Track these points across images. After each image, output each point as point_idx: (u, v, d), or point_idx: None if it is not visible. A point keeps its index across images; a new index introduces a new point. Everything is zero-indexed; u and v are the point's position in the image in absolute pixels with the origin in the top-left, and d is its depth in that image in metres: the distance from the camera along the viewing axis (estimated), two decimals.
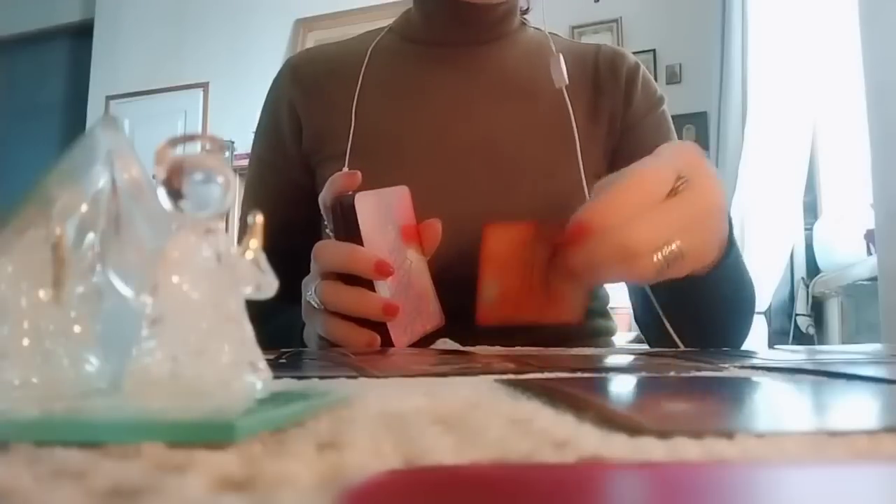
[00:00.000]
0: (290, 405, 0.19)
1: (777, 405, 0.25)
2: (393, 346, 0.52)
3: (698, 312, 0.60)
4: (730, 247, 0.53)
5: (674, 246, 0.44)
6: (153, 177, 0.21)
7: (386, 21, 0.85)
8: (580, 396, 0.23)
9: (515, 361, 0.37)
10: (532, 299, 0.49)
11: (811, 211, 2.58)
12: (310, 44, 3.33)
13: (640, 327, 0.75)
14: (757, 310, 0.87)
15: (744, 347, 0.65)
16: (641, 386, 0.29)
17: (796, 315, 2.50)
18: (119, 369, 0.19)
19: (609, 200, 0.44)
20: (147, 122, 3.43)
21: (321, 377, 0.31)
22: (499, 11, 0.77)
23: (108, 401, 0.19)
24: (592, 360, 0.42)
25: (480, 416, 0.20)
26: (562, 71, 0.71)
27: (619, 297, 0.77)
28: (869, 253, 2.05)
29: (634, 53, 0.83)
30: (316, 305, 0.53)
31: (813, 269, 2.52)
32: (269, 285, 0.20)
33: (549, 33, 0.78)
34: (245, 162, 0.85)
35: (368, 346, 0.52)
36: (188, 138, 0.20)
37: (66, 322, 0.20)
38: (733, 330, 0.66)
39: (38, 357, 0.19)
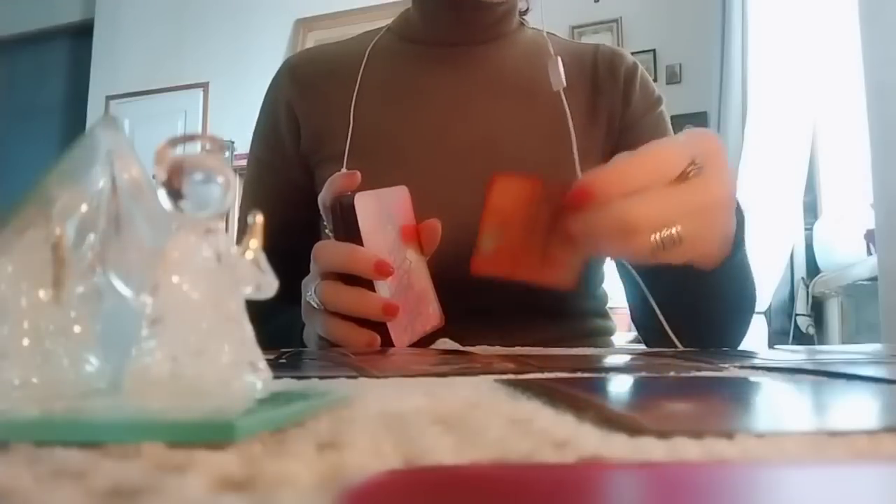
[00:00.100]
0: (290, 405, 0.19)
1: (777, 405, 0.25)
2: (393, 346, 0.52)
3: (699, 310, 0.60)
4: (738, 246, 0.53)
5: (673, 230, 0.44)
6: (153, 177, 0.21)
7: (385, 21, 0.85)
8: (580, 396, 0.23)
9: (515, 361, 0.37)
10: (529, 257, 0.48)
11: (811, 211, 2.58)
12: (310, 44, 3.33)
13: (637, 327, 0.75)
14: (757, 310, 0.87)
15: (744, 347, 0.65)
16: (641, 386, 0.29)
17: (796, 315, 2.50)
18: (119, 369, 0.19)
19: (617, 171, 0.44)
20: (147, 122, 3.43)
21: (321, 377, 0.31)
22: (498, 12, 0.77)
23: (108, 401, 0.19)
24: (592, 360, 0.42)
25: (480, 416, 0.20)
26: (559, 73, 0.71)
27: (618, 297, 0.77)
28: (869, 253, 2.05)
29: (634, 53, 0.83)
30: (316, 305, 0.53)
31: (813, 269, 2.52)
32: (269, 285, 0.20)
33: (547, 34, 0.78)
34: (245, 162, 0.85)
35: (368, 346, 0.52)
36: (188, 138, 0.20)
37: (66, 322, 0.20)
38: (732, 330, 0.66)
39: (38, 357, 0.19)
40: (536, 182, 0.47)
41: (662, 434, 0.16)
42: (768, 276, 2.34)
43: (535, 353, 0.47)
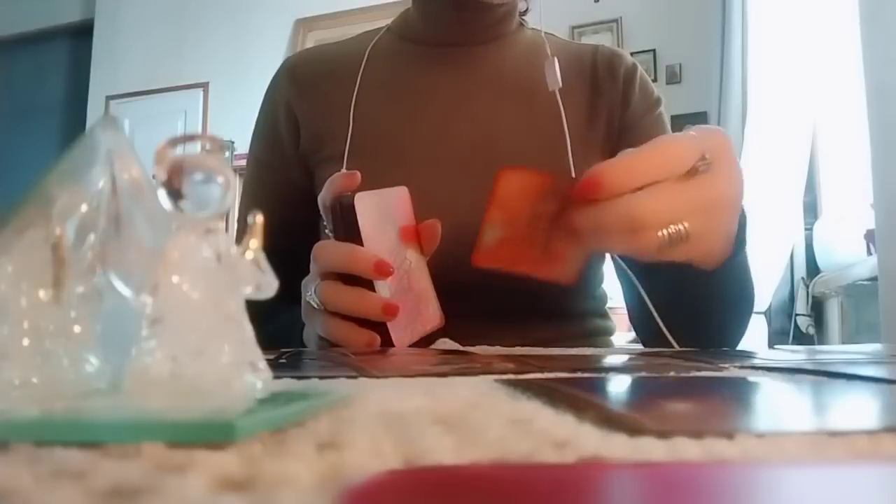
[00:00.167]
0: (290, 405, 0.19)
1: (777, 405, 0.25)
2: (393, 346, 0.52)
3: (698, 311, 0.60)
4: (739, 246, 0.53)
5: (681, 226, 0.43)
6: (153, 177, 0.21)
7: (385, 21, 0.85)
8: (580, 396, 0.23)
9: (515, 361, 0.37)
10: (531, 251, 0.48)
11: (811, 211, 2.58)
12: (310, 44, 3.33)
13: (634, 327, 0.74)
14: (757, 310, 0.87)
15: (744, 347, 0.65)
16: (641, 386, 0.29)
17: (796, 315, 2.50)
18: (119, 369, 0.19)
19: (625, 164, 0.43)
20: (147, 122, 3.44)
21: (321, 377, 0.31)
22: (498, 12, 0.77)
23: (108, 401, 0.19)
24: (592, 360, 0.42)
25: (480, 416, 0.20)
26: (556, 74, 0.71)
27: (618, 297, 0.77)
28: (869, 253, 2.05)
29: (634, 53, 0.83)
30: (316, 306, 0.53)
31: (813, 269, 2.52)
32: (269, 285, 0.20)
33: (546, 34, 0.78)
34: (245, 162, 0.85)
35: (368, 346, 0.52)
36: (188, 138, 0.20)
37: (66, 322, 0.20)
38: (731, 330, 0.66)
39: (38, 357, 0.19)
40: (542, 177, 0.47)
41: (662, 434, 0.16)
42: (768, 276, 2.34)
43: (535, 353, 0.47)
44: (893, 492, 0.12)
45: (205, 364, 0.18)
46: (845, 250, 2.24)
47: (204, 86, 3.71)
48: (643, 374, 0.33)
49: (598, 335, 0.76)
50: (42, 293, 0.20)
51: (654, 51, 3.08)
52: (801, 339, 2.45)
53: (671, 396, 0.26)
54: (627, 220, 0.42)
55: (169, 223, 0.19)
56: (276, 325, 0.60)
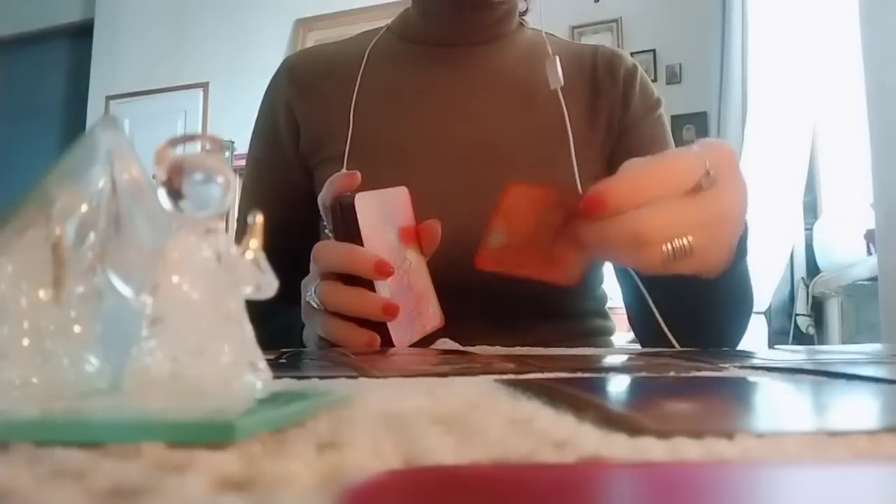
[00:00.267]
0: (290, 405, 0.19)
1: (777, 405, 0.25)
2: (393, 346, 0.52)
3: (697, 315, 0.60)
4: (741, 255, 0.53)
5: (685, 240, 0.43)
6: (153, 177, 0.21)
7: (385, 21, 0.85)
8: (580, 396, 0.23)
9: (515, 361, 0.37)
10: (534, 256, 0.48)
11: (811, 211, 2.58)
12: (309, 44, 3.33)
13: (633, 327, 0.75)
14: (757, 310, 0.87)
15: (744, 347, 0.65)
16: (641, 386, 0.29)
17: (796, 315, 2.50)
18: (119, 369, 0.19)
19: (630, 181, 0.43)
20: (147, 122, 3.44)
21: (321, 377, 0.31)
22: (498, 12, 0.77)
23: (108, 401, 0.19)
24: (592, 360, 0.42)
25: (480, 416, 0.20)
26: (557, 73, 0.71)
27: (618, 297, 0.77)
28: (869, 253, 2.05)
29: (634, 53, 0.84)
30: (316, 306, 0.53)
31: (813, 269, 2.52)
32: (269, 285, 0.20)
33: (546, 34, 0.78)
34: (245, 162, 0.85)
35: (368, 346, 0.52)
36: (188, 138, 0.20)
37: (66, 322, 0.20)
38: (730, 333, 0.66)
39: (38, 357, 0.19)
40: (549, 190, 0.47)
41: (662, 434, 0.16)
42: (768, 276, 2.34)
43: (535, 353, 0.47)
44: (893, 492, 0.12)
45: (205, 364, 0.18)
46: (845, 250, 2.24)
47: (204, 86, 3.71)
48: (643, 374, 0.33)
49: (598, 335, 0.76)
50: (42, 293, 0.20)
51: (654, 51, 3.08)
52: (801, 339, 2.45)
53: (671, 396, 0.26)
54: (632, 235, 0.43)
55: (169, 223, 0.19)
56: (276, 325, 0.60)
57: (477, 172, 0.71)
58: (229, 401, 0.18)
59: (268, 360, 0.20)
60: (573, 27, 3.17)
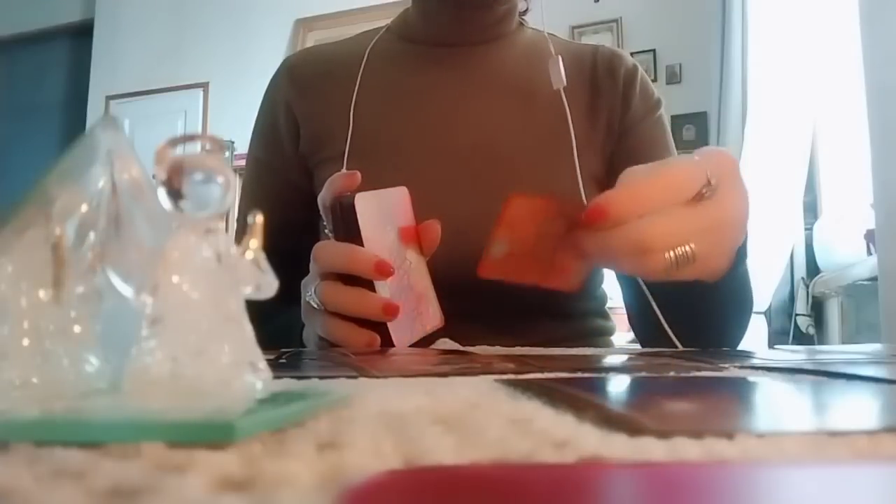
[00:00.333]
0: (290, 405, 0.19)
1: (777, 405, 0.25)
2: (393, 346, 0.52)
3: (698, 316, 0.60)
4: (741, 258, 0.53)
5: (687, 248, 0.44)
6: (153, 177, 0.21)
7: (385, 21, 0.85)
8: (580, 396, 0.23)
9: (515, 361, 0.37)
10: (536, 265, 0.49)
11: (811, 211, 2.58)
12: (310, 44, 3.33)
13: (633, 327, 0.75)
14: (757, 310, 0.87)
15: (744, 347, 0.65)
16: (641, 386, 0.29)
17: (796, 315, 2.50)
18: (119, 369, 0.19)
19: (633, 192, 0.44)
20: (147, 122, 3.44)
21: (321, 377, 0.31)
22: (498, 12, 0.77)
23: (108, 401, 0.19)
24: (592, 360, 0.42)
25: (480, 416, 0.20)
26: (560, 72, 0.71)
27: (618, 297, 0.77)
28: (869, 253, 2.05)
29: (634, 53, 0.84)
30: (316, 306, 0.53)
31: (813, 269, 2.52)
32: (269, 285, 0.20)
33: (547, 34, 0.78)
34: (245, 162, 0.85)
35: (368, 346, 0.52)
36: (188, 138, 0.20)
37: (66, 322, 0.20)
38: (729, 334, 0.66)
39: (38, 357, 0.19)
40: (551, 201, 0.48)
41: (662, 434, 0.16)
42: (768, 276, 2.34)
43: (535, 353, 0.47)
44: (893, 492, 0.12)
45: (205, 364, 0.18)
46: (845, 250, 2.24)
47: (204, 86, 3.71)
48: (643, 374, 0.33)
49: (599, 335, 0.76)
50: (42, 293, 0.20)
51: (654, 51, 3.08)
52: (801, 339, 2.45)
53: (671, 396, 0.26)
54: (635, 243, 0.43)
55: (169, 223, 0.19)
56: (276, 325, 0.60)
57: (477, 172, 0.71)
58: (229, 401, 0.18)
59: (268, 360, 0.20)
60: (573, 27, 3.17)
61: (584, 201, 0.68)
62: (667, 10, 3.08)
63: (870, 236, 2.02)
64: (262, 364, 0.19)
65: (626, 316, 0.75)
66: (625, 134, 0.76)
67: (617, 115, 0.76)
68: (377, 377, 0.31)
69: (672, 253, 0.44)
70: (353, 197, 0.52)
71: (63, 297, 0.20)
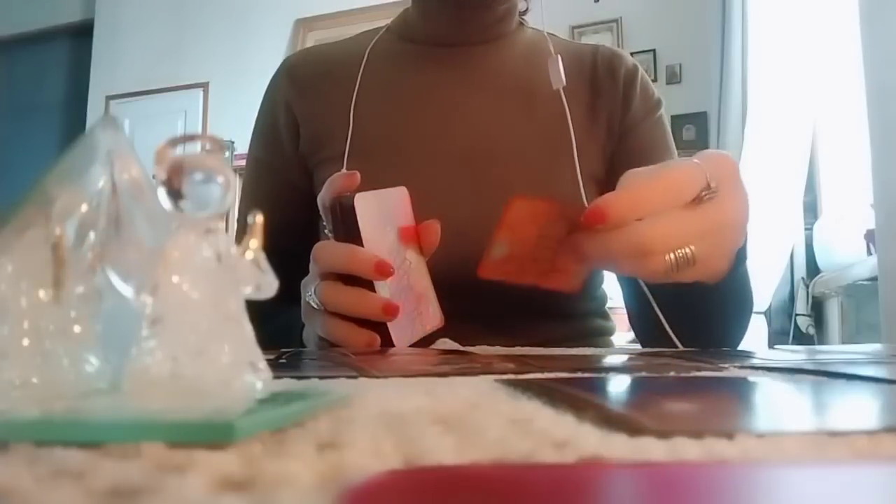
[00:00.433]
0: (290, 405, 0.19)
1: (777, 405, 0.25)
2: (393, 346, 0.52)
3: (698, 317, 0.60)
4: (741, 259, 0.53)
5: (687, 250, 0.44)
6: (153, 177, 0.21)
7: (385, 21, 0.85)
8: (580, 396, 0.23)
9: (515, 361, 0.37)
10: (537, 266, 0.49)
11: (811, 211, 2.58)
12: (310, 44, 3.33)
13: (633, 327, 0.74)
14: (757, 310, 0.87)
15: (744, 347, 0.65)
16: (641, 386, 0.29)
17: (796, 315, 2.50)
18: (119, 369, 0.19)
19: (633, 194, 0.44)
20: (147, 122, 3.44)
21: (321, 377, 0.31)
22: (498, 12, 0.77)
23: (108, 401, 0.19)
24: (592, 360, 0.42)
25: (480, 416, 0.20)
26: (560, 72, 0.71)
27: (618, 297, 0.77)
28: (869, 253, 2.05)
29: (634, 53, 0.84)
30: (315, 306, 0.53)
31: (813, 269, 2.52)
32: (269, 285, 0.20)
33: (547, 34, 0.78)
34: (245, 162, 0.85)
35: (368, 346, 0.52)
36: (188, 138, 0.20)
37: (66, 322, 0.20)
38: (730, 335, 0.66)
39: (38, 357, 0.19)
40: (552, 204, 0.48)
41: (662, 434, 0.16)
42: (768, 276, 2.34)
43: (535, 353, 0.47)
44: (893, 492, 0.12)
45: (205, 364, 0.18)
46: (845, 250, 2.24)
47: (203, 86, 3.71)
48: (643, 374, 0.33)
49: (599, 335, 0.76)
50: (42, 293, 0.20)
51: (654, 51, 3.08)
52: (801, 339, 2.45)
53: (671, 396, 0.26)
54: (635, 246, 0.43)
55: (169, 223, 0.19)
56: (276, 325, 0.60)
57: (477, 172, 0.71)
58: (229, 401, 0.18)
59: (268, 360, 0.20)
60: (573, 27, 3.17)
61: (585, 201, 0.68)
62: (667, 10, 3.08)
63: (870, 236, 2.02)
64: (262, 364, 0.19)
65: (626, 316, 0.75)
66: (625, 134, 0.76)
67: (617, 116, 0.76)
68: (377, 377, 0.31)
69: (672, 255, 0.44)
70: (353, 197, 0.52)
71: (63, 297, 0.20)
